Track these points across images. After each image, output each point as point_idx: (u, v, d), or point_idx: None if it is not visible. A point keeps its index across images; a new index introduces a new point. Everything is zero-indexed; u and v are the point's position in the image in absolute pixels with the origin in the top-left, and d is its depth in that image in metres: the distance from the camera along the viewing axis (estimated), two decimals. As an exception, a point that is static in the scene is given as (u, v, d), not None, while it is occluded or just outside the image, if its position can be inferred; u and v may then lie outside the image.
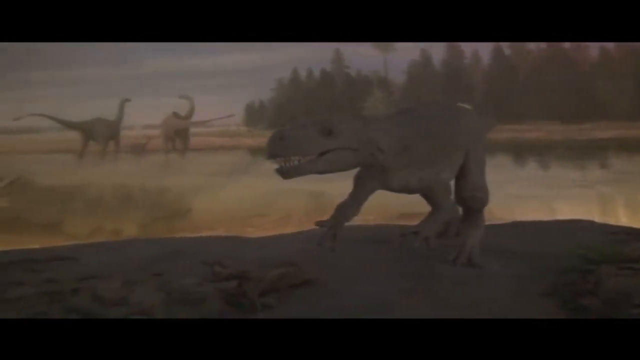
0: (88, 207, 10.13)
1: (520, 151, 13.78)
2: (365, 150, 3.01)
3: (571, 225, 5.27)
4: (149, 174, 13.80)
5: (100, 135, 17.52)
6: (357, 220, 3.60)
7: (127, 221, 9.18)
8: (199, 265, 3.40)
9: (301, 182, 3.09)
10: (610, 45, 17.08)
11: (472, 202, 3.67)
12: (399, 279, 3.35)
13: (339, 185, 3.72)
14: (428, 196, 3.47)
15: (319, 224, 3.32)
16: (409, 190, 3.37)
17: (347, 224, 3.47)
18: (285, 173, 2.83)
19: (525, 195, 10.68)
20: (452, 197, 3.63)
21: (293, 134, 2.80)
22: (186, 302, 2.86)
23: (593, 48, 17.30)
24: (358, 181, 3.38)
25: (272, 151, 2.78)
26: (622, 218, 8.90)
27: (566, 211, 8.47)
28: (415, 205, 4.01)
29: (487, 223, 3.90)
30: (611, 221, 7.16)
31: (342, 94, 26.15)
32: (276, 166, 2.83)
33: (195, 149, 19.59)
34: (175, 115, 18.66)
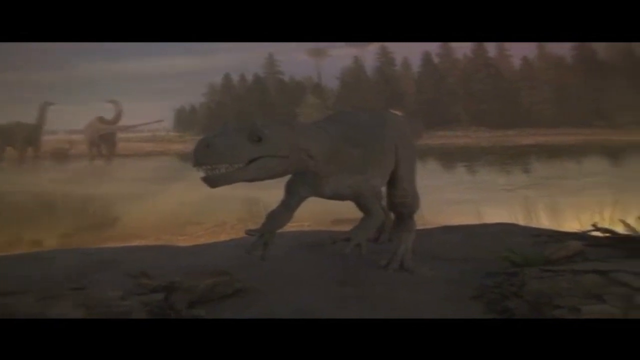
0: (4, 216, 9.54)
1: (449, 157, 14.26)
2: (295, 157, 2.96)
3: (497, 229, 5.46)
4: (72, 181, 13.19)
5: (19, 140, 16.61)
6: (290, 227, 3.58)
7: (48, 231, 8.71)
8: (124, 277, 3.27)
9: (235, 188, 3.02)
10: (532, 55, 18.03)
11: (403, 207, 3.74)
12: (333, 285, 3.37)
13: (273, 193, 3.69)
14: (359, 203, 3.49)
15: (249, 232, 3.26)
16: (341, 197, 3.38)
17: (280, 230, 3.44)
18: (212, 181, 2.75)
19: (454, 199, 11.02)
20: (383, 203, 3.69)
21: (220, 141, 2.72)
22: (109, 317, 2.73)
23: (516, 58, 18.21)
24: (289, 188, 3.34)
25: (199, 159, 2.70)
26: (544, 220, 9.37)
27: (493, 215, 8.80)
28: (348, 211, 4.04)
29: (418, 228, 3.98)
30: (534, 223, 7.52)
31: (275, 100, 26.13)
32: (202, 174, 2.74)
33: (122, 154, 18.94)
34: (100, 119, 18.00)
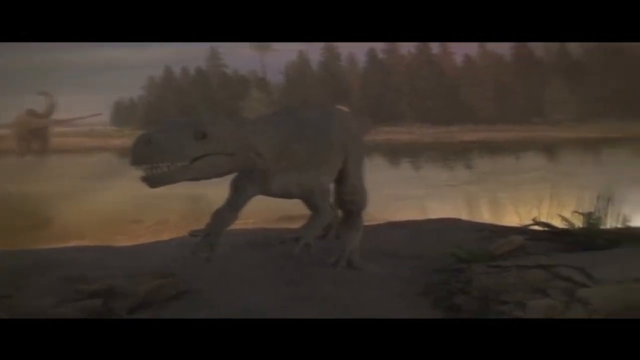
0: None
1: (394, 153, 14.49)
2: (242, 155, 2.86)
3: (442, 224, 5.56)
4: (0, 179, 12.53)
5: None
6: (235, 224, 3.51)
7: (-29, 233, 8.21)
8: (59, 281, 3.11)
9: (178, 185, 2.91)
10: (474, 52, 18.56)
11: (351, 205, 3.74)
12: (281, 285, 3.33)
13: (218, 190, 3.60)
14: (307, 201, 3.45)
15: (193, 233, 3.16)
16: (289, 195, 3.34)
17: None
18: (153, 181, 2.59)
19: (399, 195, 11.19)
20: (331, 200, 3.67)
21: (162, 138, 2.56)
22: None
23: (458, 56, 18.70)
24: (235, 186, 3.24)
25: (138, 157, 2.53)
26: (486, 215, 9.66)
27: (437, 210, 8.98)
28: (295, 208, 4.01)
29: (364, 224, 4.00)
30: (476, 218, 7.73)
31: (219, 94, 25.74)
32: (142, 173, 2.58)
33: (58, 150, 18.15)
34: (31, 113, 17.13)
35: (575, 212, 5.25)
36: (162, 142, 2.56)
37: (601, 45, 18.04)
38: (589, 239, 4.39)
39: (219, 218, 3.22)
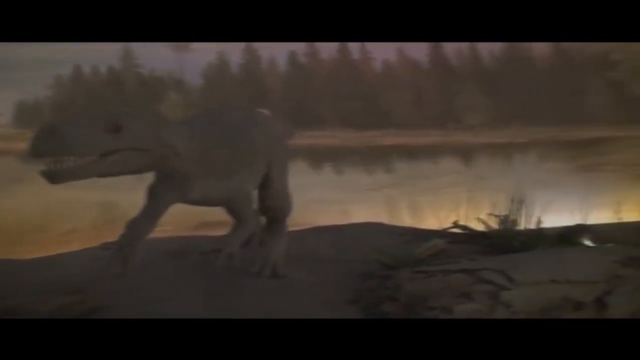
0: None
1: (316, 157, 14.57)
2: (158, 153, 2.66)
3: (365, 229, 5.61)
4: None
5: None
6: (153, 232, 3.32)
7: None
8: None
9: (89, 190, 2.69)
10: (392, 58, 19.05)
11: (275, 211, 3.66)
12: (201, 298, 3.18)
13: (133, 196, 3.39)
14: (230, 208, 3.32)
15: (105, 246, 2.95)
16: (210, 203, 3.19)
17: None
18: (53, 176, 2.36)
19: (322, 199, 11.24)
20: (255, 207, 3.58)
21: (68, 129, 2.34)
22: None
23: (378, 61, 19.13)
24: (152, 193, 3.03)
25: (38, 149, 2.29)
26: (406, 219, 9.90)
27: (359, 214, 9.08)
28: (215, 214, 3.87)
29: (289, 229, 3.94)
30: (397, 222, 7.86)
31: (133, 95, 24.84)
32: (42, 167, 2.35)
33: (-51, 154, 16.76)
34: None
35: (491, 214, 5.47)
36: (67, 133, 2.34)
37: (510, 53, 19.09)
38: (506, 241, 4.58)
39: (134, 228, 3.00)
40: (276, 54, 19.06)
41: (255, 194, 3.57)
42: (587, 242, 4.50)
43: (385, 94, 17.73)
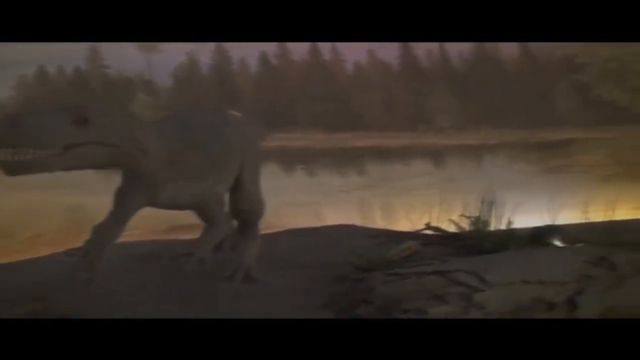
0: None
1: (288, 159, 14.53)
2: (125, 149, 2.57)
3: (338, 231, 5.62)
4: None
5: None
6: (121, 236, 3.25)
7: None
8: None
9: (55, 193, 2.60)
10: (364, 60, 19.13)
11: (248, 214, 3.63)
12: (171, 304, 3.12)
13: (100, 199, 3.31)
14: (201, 211, 3.26)
15: (70, 252, 2.87)
16: (180, 206, 3.13)
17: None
18: (12, 168, 2.26)
19: (294, 202, 11.22)
20: (227, 210, 3.53)
21: (32, 120, 2.27)
22: None
23: (349, 63, 19.19)
24: (119, 197, 2.94)
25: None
26: (379, 221, 9.95)
27: (332, 216, 9.09)
28: (186, 217, 3.81)
29: (262, 232, 3.91)
30: (370, 224, 7.89)
31: (101, 96, 24.38)
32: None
33: None
34: None
35: (463, 216, 5.53)
36: (31, 124, 2.26)
37: (479, 55, 19.38)
38: (478, 242, 4.63)
39: (101, 233, 2.90)
40: (247, 54, 18.97)
41: (227, 196, 3.53)
42: (557, 243, 4.59)
43: (357, 95, 17.83)
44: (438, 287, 2.77)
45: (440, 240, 5.04)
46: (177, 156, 2.90)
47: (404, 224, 6.81)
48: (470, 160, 15.94)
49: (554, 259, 3.22)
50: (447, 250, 4.47)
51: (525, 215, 6.60)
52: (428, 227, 5.58)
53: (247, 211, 3.59)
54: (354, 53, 19.14)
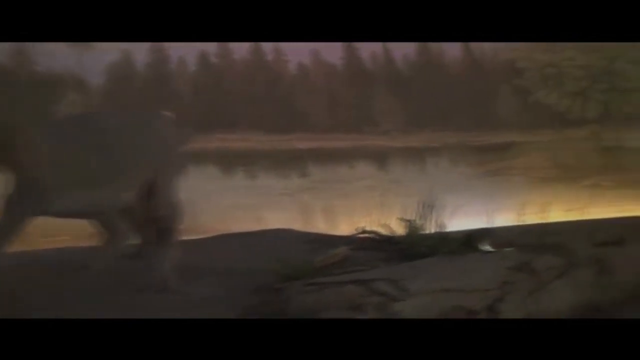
0: None
1: (228, 160, 14.31)
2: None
3: (274, 235, 5.57)
4: None
5: None
6: (45, 242, 3.08)
7: None
8: None
9: None
10: (307, 60, 19.10)
11: (163, 221, 3.51)
12: (87, 311, 2.97)
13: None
14: (103, 221, 3.11)
15: None
16: (80, 215, 2.98)
17: (30, 248, 2.91)
18: None
19: (234, 205, 11.06)
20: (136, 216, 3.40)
21: None
22: None
23: (292, 63, 19.12)
24: (9, 206, 2.79)
25: None
26: (321, 224, 9.93)
27: (272, 220, 9.01)
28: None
29: (192, 237, 3.82)
30: (311, 228, 7.87)
31: (28, 95, 23.36)
32: None
33: None
34: None
35: (401, 219, 5.57)
36: None
37: (423, 58, 19.75)
38: (411, 247, 4.67)
39: None
40: (186, 53, 18.59)
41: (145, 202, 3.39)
42: (488, 247, 4.68)
43: (300, 96, 17.80)
44: (357, 296, 2.75)
45: (374, 245, 5.07)
46: (73, 159, 2.75)
47: (345, 228, 6.81)
48: (413, 163, 16.18)
49: (478, 266, 3.26)
50: (381, 255, 4.49)
51: (464, 218, 6.73)
52: (363, 231, 5.60)
53: (162, 218, 3.47)
54: (297, 53, 19.11)
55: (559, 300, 2.94)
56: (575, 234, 4.79)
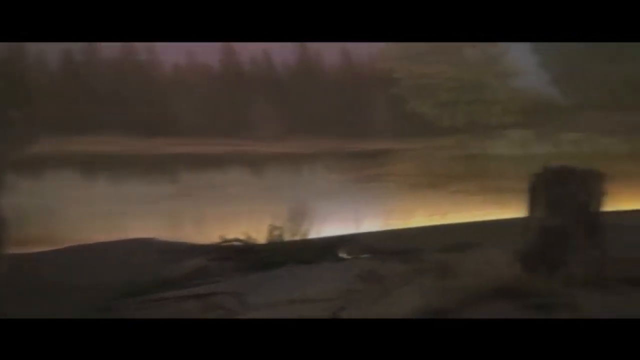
0: None
1: (91, 165, 13.54)
2: None
3: (131, 246, 5.39)
4: None
5: None
6: None
7: None
8: None
9: None
10: (182, 61, 18.59)
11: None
12: None
13: None
14: None
15: None
16: None
17: None
18: None
19: (97, 213, 10.51)
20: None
21: None
22: None
23: (167, 64, 18.53)
24: None
25: None
26: (190, 232, 9.67)
27: (137, 229, 8.67)
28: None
29: (43, 250, 3.56)
30: (178, 237, 7.66)
31: None
32: None
33: None
34: None
35: (271, 226, 5.59)
36: None
37: (302, 64, 20.04)
38: (271, 255, 4.70)
39: None
40: (47, 49, 17.36)
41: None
42: (345, 254, 4.82)
43: (173, 98, 17.31)
44: (196, 312, 2.70)
45: (234, 254, 5.04)
46: None
47: (215, 236, 6.69)
48: (288, 170, 16.32)
49: (327, 274, 3.33)
50: (239, 265, 4.47)
51: (333, 225, 6.89)
52: (225, 240, 5.57)
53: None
54: (172, 54, 18.60)
55: (402, 306, 3.07)
56: (427, 240, 5.08)
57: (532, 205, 4.87)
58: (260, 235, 5.61)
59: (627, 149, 15.58)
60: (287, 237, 5.36)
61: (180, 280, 3.60)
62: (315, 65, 22.01)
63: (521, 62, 16.79)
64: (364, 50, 19.09)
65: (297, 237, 5.36)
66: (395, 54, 18.97)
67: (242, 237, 5.40)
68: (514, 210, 5.74)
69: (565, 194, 4.67)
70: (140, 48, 19.53)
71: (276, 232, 5.24)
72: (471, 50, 18.62)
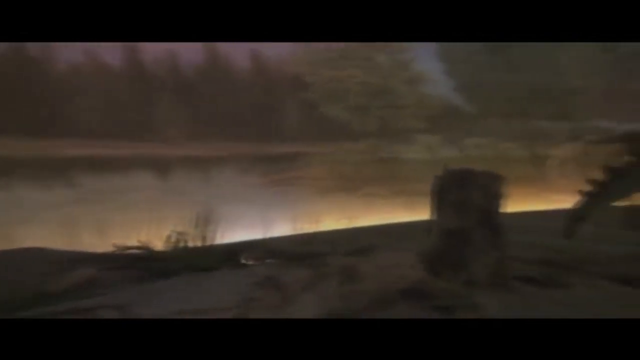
0: None
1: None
2: None
3: (20, 255, 5.06)
4: None
5: None
6: None
7: None
8: None
9: None
10: (79, 60, 17.77)
11: None
12: None
13: None
14: None
15: None
16: None
17: None
18: None
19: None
20: None
21: None
22: None
23: (63, 62, 17.63)
24: None
25: None
26: (87, 239, 9.20)
27: (29, 237, 8.15)
28: None
29: None
30: (76, 245, 7.24)
31: None
32: None
33: None
34: None
35: (171, 232, 5.38)
36: None
37: (210, 66, 19.73)
38: (171, 262, 4.53)
39: None
40: None
41: None
42: (248, 260, 4.73)
43: (70, 98, 16.48)
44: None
45: (131, 263, 4.82)
46: None
47: (116, 243, 6.37)
48: (196, 173, 15.99)
49: (224, 283, 3.24)
50: (135, 273, 4.26)
51: (240, 230, 6.75)
52: (123, 247, 5.32)
53: None
54: (69, 52, 17.68)
55: (303, 312, 3.03)
56: (334, 244, 5.09)
57: (435, 208, 5.00)
58: (153, 243, 5.39)
59: (527, 154, 16.52)
60: (191, 243, 5.18)
61: (63, 294, 3.35)
62: (225, 67, 21.74)
63: (428, 69, 17.43)
64: (274, 53, 19.12)
65: (202, 244, 5.20)
66: (307, 58, 19.15)
67: (140, 244, 5.16)
68: (423, 212, 5.88)
69: (465, 196, 4.82)
70: (34, 47, 18.46)
71: (178, 239, 5.05)
72: (382, 56, 19.13)
